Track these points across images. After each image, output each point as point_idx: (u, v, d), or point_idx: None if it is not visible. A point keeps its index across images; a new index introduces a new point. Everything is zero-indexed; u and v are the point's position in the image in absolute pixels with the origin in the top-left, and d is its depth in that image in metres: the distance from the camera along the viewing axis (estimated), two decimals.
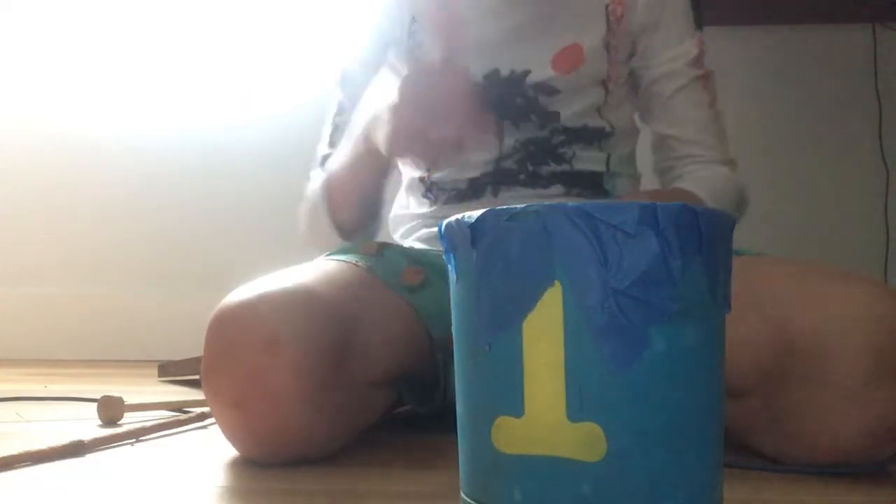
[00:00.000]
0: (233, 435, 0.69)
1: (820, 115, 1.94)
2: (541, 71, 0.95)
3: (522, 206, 0.44)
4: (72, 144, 2.06)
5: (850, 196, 1.93)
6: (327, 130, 1.02)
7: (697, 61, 1.00)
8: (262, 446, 0.67)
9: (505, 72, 0.96)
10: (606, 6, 0.97)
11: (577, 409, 0.42)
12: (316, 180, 0.98)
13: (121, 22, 2.07)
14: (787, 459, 0.67)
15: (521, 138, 0.96)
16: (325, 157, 1.00)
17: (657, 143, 1.02)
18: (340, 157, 0.94)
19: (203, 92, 2.05)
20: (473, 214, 0.45)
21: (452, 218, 0.47)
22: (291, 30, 2.02)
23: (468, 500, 0.47)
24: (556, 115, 0.96)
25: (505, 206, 0.44)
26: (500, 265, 0.44)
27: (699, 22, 1.02)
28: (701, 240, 0.43)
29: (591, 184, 0.97)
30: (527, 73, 0.95)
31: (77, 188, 2.06)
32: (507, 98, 0.96)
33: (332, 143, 1.01)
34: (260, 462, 0.69)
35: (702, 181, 0.95)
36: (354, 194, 0.92)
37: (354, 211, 0.93)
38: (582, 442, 0.42)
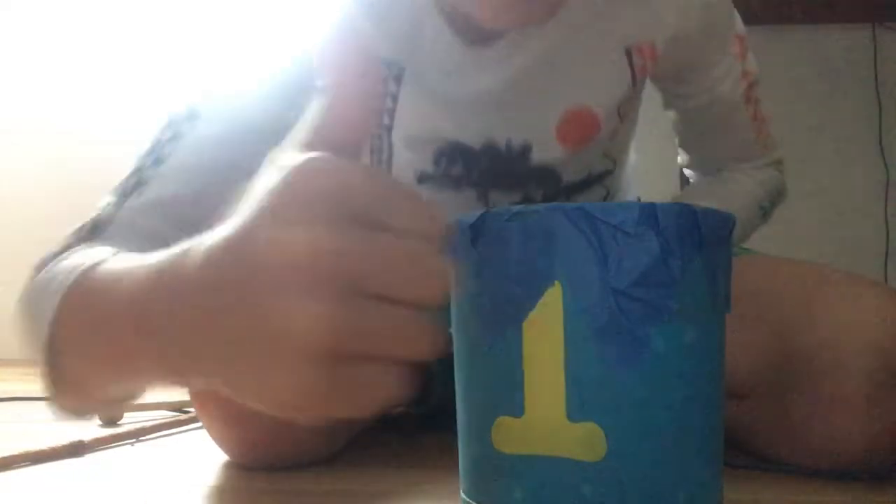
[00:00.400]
0: (229, 448, 0.68)
1: (820, 115, 1.94)
2: (544, 146, 0.78)
3: (522, 206, 0.44)
4: (73, 144, 2.06)
5: (850, 196, 1.93)
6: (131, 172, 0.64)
7: (742, 71, 0.84)
8: (259, 458, 0.67)
9: (501, 143, 0.78)
10: (629, 55, 0.76)
11: (577, 409, 0.42)
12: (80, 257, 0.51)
13: (123, 22, 2.07)
14: (789, 462, 0.67)
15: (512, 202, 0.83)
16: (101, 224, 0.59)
17: (692, 153, 0.93)
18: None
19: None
20: (473, 214, 0.45)
21: (452, 218, 0.47)
22: (295, 39, 2.03)
23: (468, 500, 0.47)
24: (558, 178, 0.82)
25: (505, 206, 0.44)
26: (500, 265, 0.44)
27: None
28: (701, 240, 0.43)
29: None
30: (527, 149, 0.78)
31: (78, 187, 2.06)
32: (502, 171, 0.80)
33: (125, 194, 0.61)
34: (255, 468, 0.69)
35: (719, 195, 0.89)
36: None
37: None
38: (582, 442, 0.42)
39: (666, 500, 0.42)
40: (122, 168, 0.71)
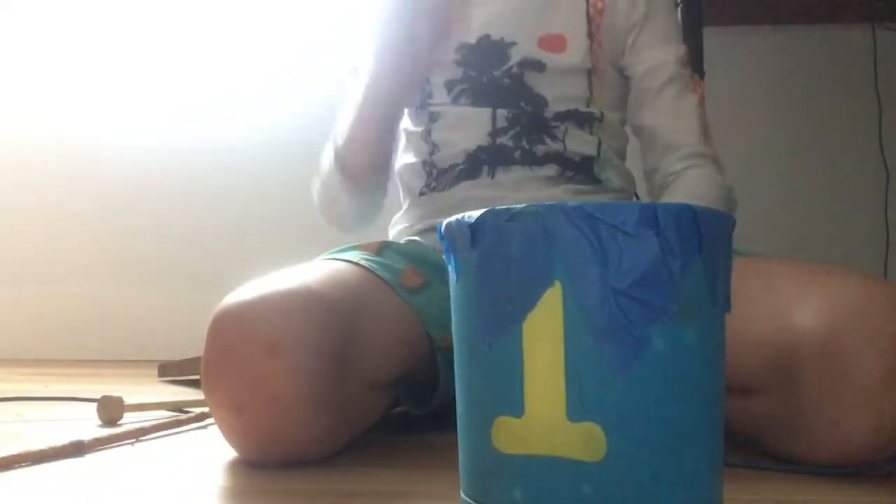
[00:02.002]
0: (232, 437, 0.69)
1: (820, 115, 1.94)
2: (527, 45, 0.99)
3: (522, 205, 0.44)
4: (72, 144, 2.06)
5: (850, 196, 1.93)
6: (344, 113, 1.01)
7: (685, 61, 1.03)
8: (261, 449, 0.67)
9: (495, 37, 1.00)
10: (587, 2, 1.02)
11: (577, 409, 0.42)
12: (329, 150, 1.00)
13: (125, 21, 2.07)
14: (797, 458, 0.67)
15: (512, 113, 0.98)
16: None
17: (645, 140, 1.03)
18: (348, 114, 0.97)
19: (203, 93, 2.05)
20: (473, 214, 0.45)
21: (452, 218, 0.47)
22: (294, 36, 2.03)
23: (468, 500, 0.47)
24: (544, 100, 0.97)
25: (505, 206, 0.44)
26: (500, 265, 0.44)
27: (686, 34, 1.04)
28: (701, 240, 0.43)
29: (584, 168, 0.97)
30: (513, 43, 0.99)
31: (77, 188, 2.06)
32: (495, 81, 0.98)
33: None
34: (259, 464, 0.69)
35: (684, 194, 0.94)
36: (366, 138, 0.95)
37: (366, 155, 0.95)
38: (582, 442, 0.42)
39: (666, 500, 0.42)
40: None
